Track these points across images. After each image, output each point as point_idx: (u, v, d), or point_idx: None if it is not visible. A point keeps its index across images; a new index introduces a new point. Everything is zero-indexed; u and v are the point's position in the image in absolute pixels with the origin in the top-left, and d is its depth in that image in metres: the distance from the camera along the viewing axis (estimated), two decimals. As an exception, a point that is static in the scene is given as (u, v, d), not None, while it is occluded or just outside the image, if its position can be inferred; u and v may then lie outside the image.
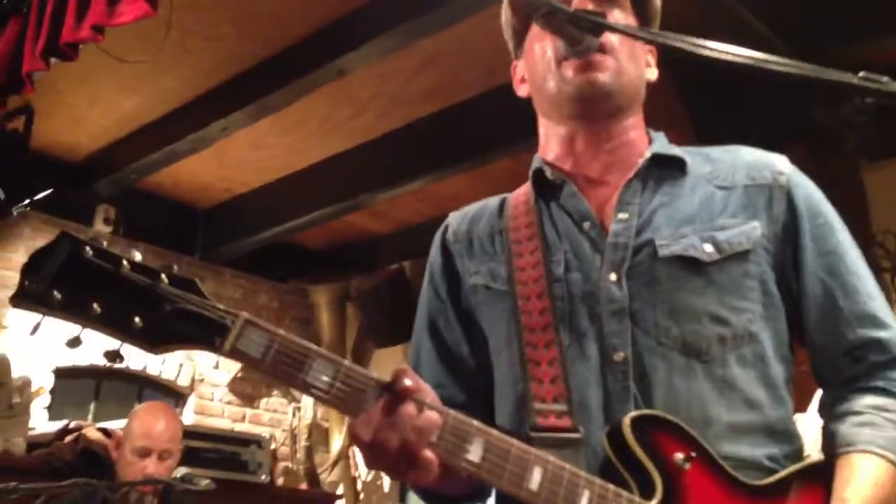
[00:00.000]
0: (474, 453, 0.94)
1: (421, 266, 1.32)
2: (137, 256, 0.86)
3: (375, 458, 0.92)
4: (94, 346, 3.52)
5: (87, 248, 0.83)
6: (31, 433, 3.78)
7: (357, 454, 5.29)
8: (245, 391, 5.19)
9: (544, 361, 1.08)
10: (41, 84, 2.99)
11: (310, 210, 4.46)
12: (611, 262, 1.11)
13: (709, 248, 1.11)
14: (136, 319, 0.84)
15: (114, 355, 0.89)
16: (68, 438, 3.70)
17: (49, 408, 4.24)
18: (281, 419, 5.28)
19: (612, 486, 0.99)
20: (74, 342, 0.87)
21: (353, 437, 0.92)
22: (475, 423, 0.95)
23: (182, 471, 2.79)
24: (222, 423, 4.93)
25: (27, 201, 3.89)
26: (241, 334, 0.87)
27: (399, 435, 0.90)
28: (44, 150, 4.09)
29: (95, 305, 0.82)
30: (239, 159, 4.27)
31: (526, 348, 1.09)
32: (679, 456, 1.01)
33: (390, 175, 4.19)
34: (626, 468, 1.01)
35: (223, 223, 4.86)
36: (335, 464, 5.17)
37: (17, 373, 3.82)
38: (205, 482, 2.73)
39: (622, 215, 1.14)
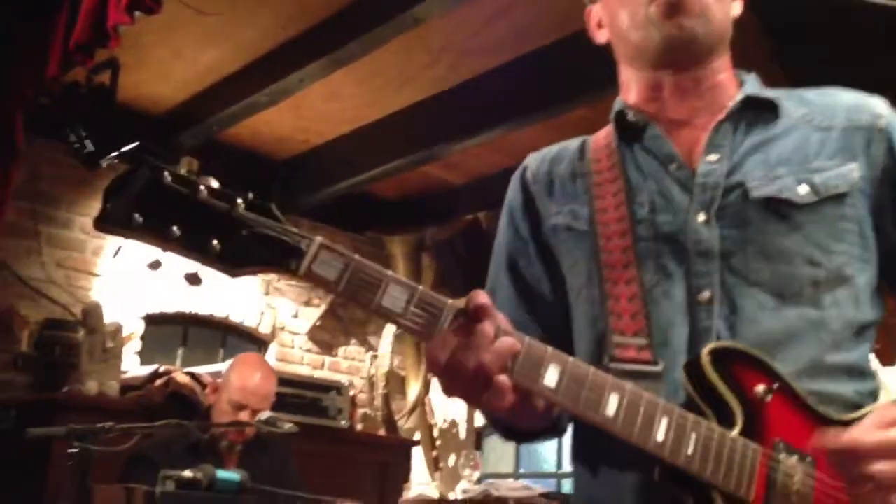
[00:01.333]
0: (550, 378, 0.93)
1: (496, 217, 1.31)
2: (214, 182, 0.87)
3: (451, 380, 0.92)
4: (180, 294, 3.65)
5: (166, 173, 0.85)
6: (123, 377, 3.95)
7: (433, 402, 5.38)
8: (324, 339, 5.31)
9: (624, 298, 1.07)
10: (126, 38, 3.06)
11: (385, 161, 4.49)
12: (700, 202, 1.09)
13: (804, 189, 1.08)
14: (215, 243, 0.85)
15: (194, 278, 0.91)
16: (158, 382, 3.86)
17: (140, 353, 4.43)
18: (359, 367, 5.40)
19: (691, 415, 0.98)
20: (155, 265, 0.89)
21: (428, 360, 0.92)
22: (550, 348, 0.95)
23: (266, 414, 2.89)
24: (302, 370, 5.07)
25: (114, 153, 4.00)
26: (316, 257, 0.88)
27: (475, 357, 0.90)
28: (129, 103, 4.20)
29: (175, 228, 0.84)
30: (316, 111, 4.31)
31: (606, 285, 1.08)
32: (760, 388, 1.00)
33: (465, 125, 4.17)
34: (705, 400, 1.00)
35: (301, 174, 4.93)
36: (412, 411, 5.27)
37: (108, 319, 3.99)
38: (288, 425, 2.83)
39: (712, 157, 1.12)
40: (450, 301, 0.93)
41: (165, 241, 0.84)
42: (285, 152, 4.88)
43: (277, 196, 5.04)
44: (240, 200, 0.87)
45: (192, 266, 0.89)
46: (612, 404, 0.94)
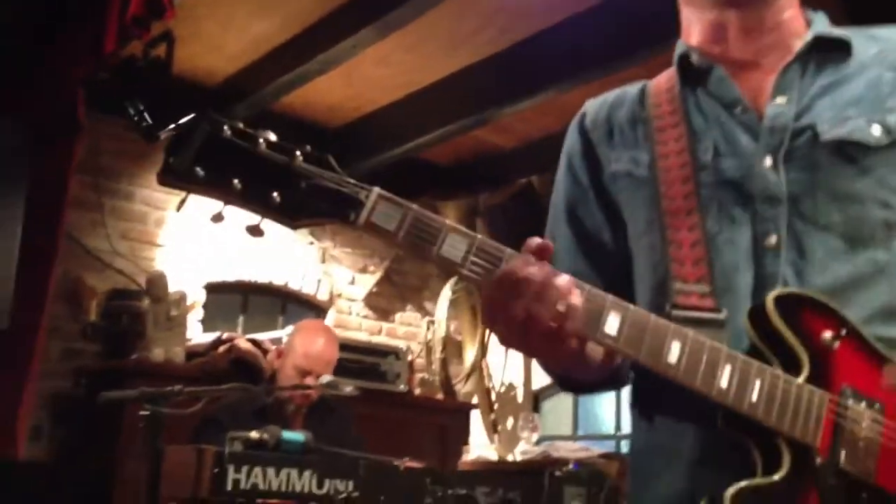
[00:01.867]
0: (611, 326, 0.93)
1: (549, 180, 1.30)
2: (272, 135, 0.89)
3: (507, 329, 0.92)
4: (239, 263, 3.71)
5: (226, 127, 0.87)
6: (187, 344, 4.06)
7: (489, 366, 5.41)
8: (380, 305, 5.36)
9: (686, 244, 1.05)
10: (179, 11, 3.10)
11: (437, 126, 4.47)
12: (766, 146, 1.07)
13: (877, 131, 1.05)
14: (275, 195, 0.87)
15: (255, 230, 0.92)
16: (222, 349, 3.96)
17: (202, 321, 4.54)
18: (415, 332, 5.45)
19: (755, 362, 0.96)
20: (217, 217, 0.91)
21: (484, 302, 0.92)
22: (610, 296, 0.95)
23: (328, 378, 2.94)
24: (360, 336, 5.13)
25: (172, 126, 4.07)
26: (374, 208, 0.89)
27: (531, 301, 0.89)
28: (185, 75, 4.26)
29: (236, 181, 0.86)
30: (367, 78, 4.32)
31: (667, 231, 1.07)
32: (827, 334, 0.98)
33: (515, 89, 4.13)
34: (770, 348, 0.98)
35: (353, 142, 4.95)
36: (469, 375, 5.31)
37: (172, 288, 4.10)
38: (349, 388, 2.88)
39: (780, 100, 1.09)
40: (508, 249, 0.93)
41: (227, 194, 0.86)
42: (337, 120, 4.91)
43: (331, 164, 5.07)
44: (298, 153, 0.88)
45: (253, 218, 0.91)
46: (674, 351, 0.94)
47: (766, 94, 1.11)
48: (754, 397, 0.95)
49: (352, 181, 0.89)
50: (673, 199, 1.08)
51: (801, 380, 0.97)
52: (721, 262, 1.05)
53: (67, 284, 4.12)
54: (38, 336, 3.73)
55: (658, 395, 1.04)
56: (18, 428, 3.64)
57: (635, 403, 1.14)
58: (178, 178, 0.86)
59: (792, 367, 0.98)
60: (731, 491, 0.93)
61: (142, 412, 2.33)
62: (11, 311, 3.16)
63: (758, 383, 0.95)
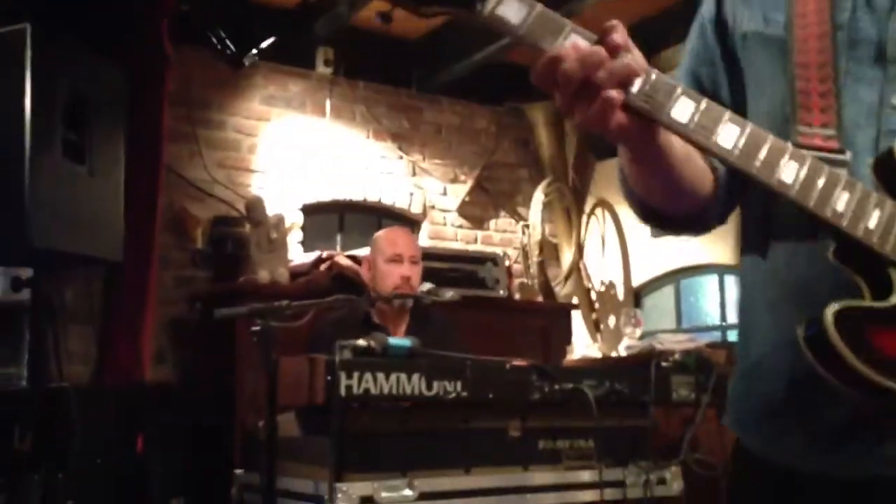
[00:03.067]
0: (726, 137, 0.92)
1: None
2: None
3: (561, 89, 0.89)
4: (332, 183, 3.76)
5: None
6: (290, 265, 4.18)
7: (587, 266, 5.39)
8: (474, 214, 5.38)
9: (815, 93, 1.04)
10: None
11: (519, 25, 4.36)
12: None
13: None
14: None
15: (385, 17, 0.93)
16: (323, 267, 4.06)
17: (302, 241, 4.66)
18: (511, 238, 5.45)
19: (875, 193, 0.95)
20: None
21: (545, 63, 0.89)
22: (729, 111, 0.93)
23: (428, 285, 2.99)
24: (455, 247, 5.17)
25: (255, 52, 4.12)
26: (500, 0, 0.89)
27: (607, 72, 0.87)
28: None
29: None
30: (443, -18, 4.22)
31: (797, 81, 1.05)
32: None
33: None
34: (892, 195, 0.96)
35: (436, 51, 4.89)
36: (567, 277, 5.31)
37: (270, 212, 4.20)
38: (449, 294, 2.92)
39: None
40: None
41: None
42: (419, 30, 4.84)
43: (415, 76, 5.05)
44: None
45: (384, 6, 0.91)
46: (790, 169, 0.93)
47: None
48: (871, 224, 0.94)
49: None
50: (807, 53, 1.06)
51: None
52: (844, 118, 1.03)
53: (173, 215, 4.29)
54: (151, 266, 3.92)
55: (771, 229, 1.05)
56: (144, 353, 3.87)
57: (745, 247, 1.14)
58: None
59: None
60: (833, 307, 0.92)
61: (254, 328, 2.43)
62: (124, 244, 3.31)
63: (877, 212, 0.94)
